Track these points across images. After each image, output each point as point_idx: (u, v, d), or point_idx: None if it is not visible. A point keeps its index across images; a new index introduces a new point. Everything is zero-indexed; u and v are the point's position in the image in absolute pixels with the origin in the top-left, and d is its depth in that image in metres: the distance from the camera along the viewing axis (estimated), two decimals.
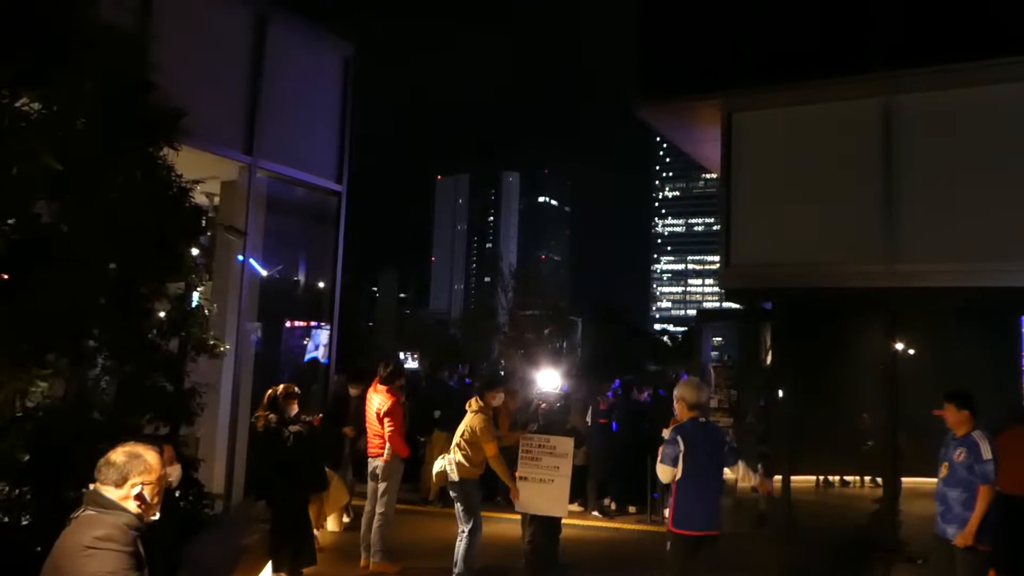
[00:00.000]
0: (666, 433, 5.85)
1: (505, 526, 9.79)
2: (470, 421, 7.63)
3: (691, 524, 5.66)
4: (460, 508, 7.51)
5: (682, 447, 5.65)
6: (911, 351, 10.75)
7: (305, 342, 12.12)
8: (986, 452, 5.98)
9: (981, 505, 5.91)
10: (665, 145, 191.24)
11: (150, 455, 3.24)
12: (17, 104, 3.99)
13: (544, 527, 7.86)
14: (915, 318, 10.32)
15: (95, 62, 4.34)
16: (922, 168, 9.47)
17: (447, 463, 7.56)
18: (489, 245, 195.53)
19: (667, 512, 5.90)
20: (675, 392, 6.02)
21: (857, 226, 9.77)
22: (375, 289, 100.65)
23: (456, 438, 7.66)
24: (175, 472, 5.03)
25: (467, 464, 7.49)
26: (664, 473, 5.76)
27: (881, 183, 9.61)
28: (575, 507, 9.63)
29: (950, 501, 6.13)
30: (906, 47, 9.26)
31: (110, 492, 3.13)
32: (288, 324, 12.39)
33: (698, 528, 5.64)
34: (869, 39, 9.50)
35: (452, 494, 7.64)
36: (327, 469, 8.51)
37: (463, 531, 7.47)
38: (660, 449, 5.84)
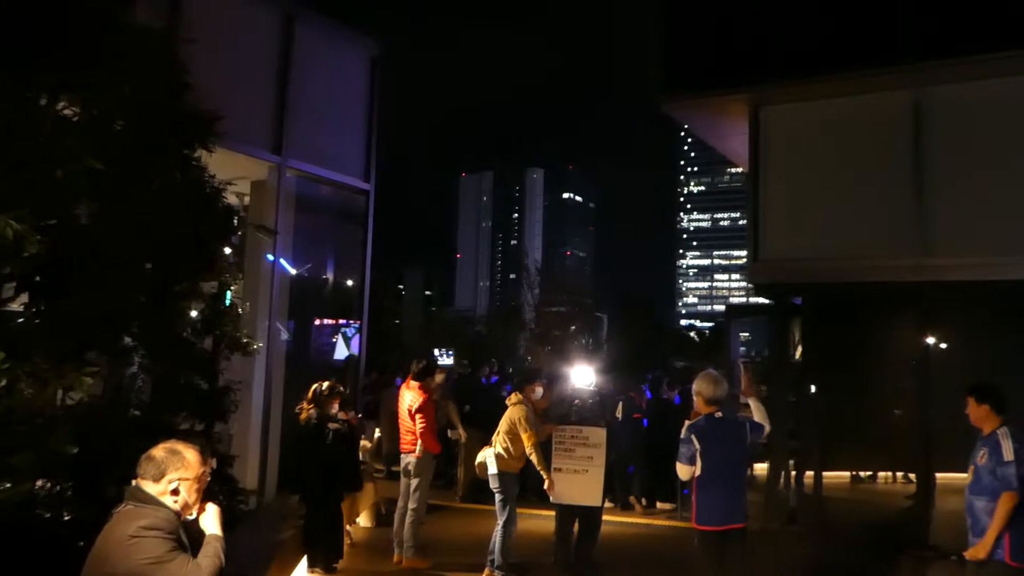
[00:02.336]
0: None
1: (539, 522, 9.82)
2: (509, 413, 7.79)
3: (712, 520, 5.61)
4: (498, 500, 7.66)
5: (697, 445, 5.60)
6: (943, 346, 10.62)
7: (335, 340, 12.22)
8: (1007, 452, 5.18)
9: (1000, 513, 5.11)
10: (690, 140, 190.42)
11: (189, 453, 3.31)
12: (57, 108, 4.08)
13: (582, 522, 7.88)
14: (947, 313, 10.21)
15: (133, 67, 4.41)
16: (954, 160, 9.37)
17: (487, 455, 7.72)
18: (514, 242, 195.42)
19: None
20: (693, 386, 5.94)
21: (888, 220, 9.69)
22: (401, 287, 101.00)
23: (499, 431, 7.81)
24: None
25: (507, 456, 7.64)
26: (683, 471, 5.72)
27: (912, 176, 9.53)
28: (607, 503, 9.64)
29: (977, 511, 5.33)
30: (937, 38, 9.16)
31: (149, 487, 3.21)
32: (317, 322, 12.48)
33: (720, 523, 5.59)
34: (899, 30, 9.41)
35: (492, 486, 7.75)
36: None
37: (499, 522, 7.63)
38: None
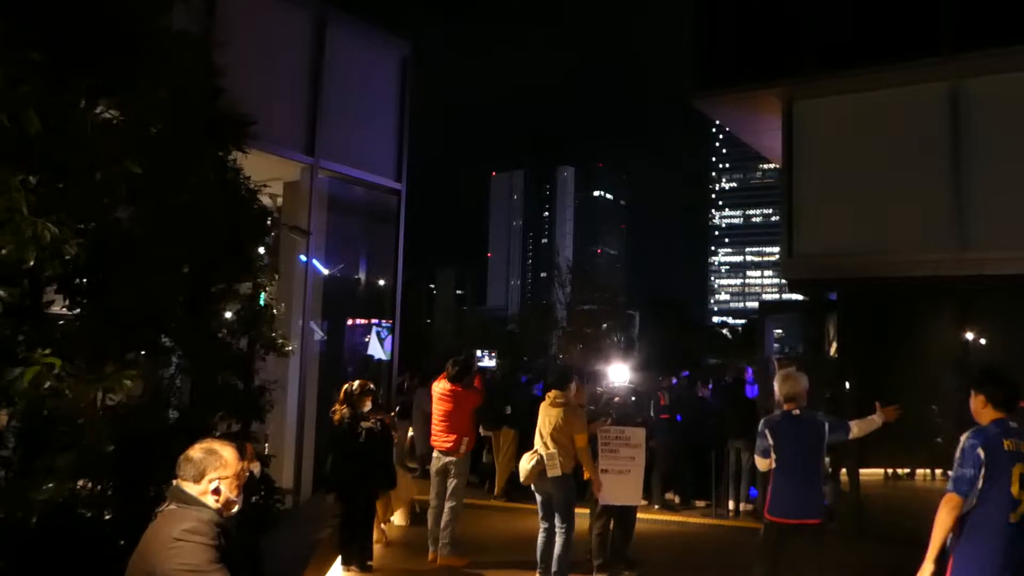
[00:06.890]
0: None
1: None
2: (558, 415, 7.25)
3: (783, 512, 5.82)
4: (561, 503, 7.20)
5: (770, 440, 5.89)
6: (982, 341, 10.46)
7: (367, 340, 12.27)
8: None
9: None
10: (721, 136, 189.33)
11: (226, 451, 3.34)
12: (96, 111, 4.14)
13: (617, 520, 7.85)
14: (986, 307, 10.06)
15: (170, 70, 4.47)
16: (992, 153, 9.24)
17: (547, 459, 7.16)
18: (545, 240, 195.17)
19: (749, 500, 5.93)
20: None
21: (925, 214, 9.57)
22: (432, 287, 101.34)
23: (544, 433, 7.27)
24: (256, 468, 5.15)
25: (564, 458, 7.16)
26: (760, 463, 6.07)
27: (949, 169, 9.40)
28: (642, 501, 9.59)
29: None
30: (974, 28, 9.03)
31: (190, 487, 3.24)
32: (350, 322, 12.54)
33: (790, 516, 5.79)
34: (935, 21, 9.29)
35: (552, 491, 7.23)
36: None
37: (562, 528, 7.18)
38: None
